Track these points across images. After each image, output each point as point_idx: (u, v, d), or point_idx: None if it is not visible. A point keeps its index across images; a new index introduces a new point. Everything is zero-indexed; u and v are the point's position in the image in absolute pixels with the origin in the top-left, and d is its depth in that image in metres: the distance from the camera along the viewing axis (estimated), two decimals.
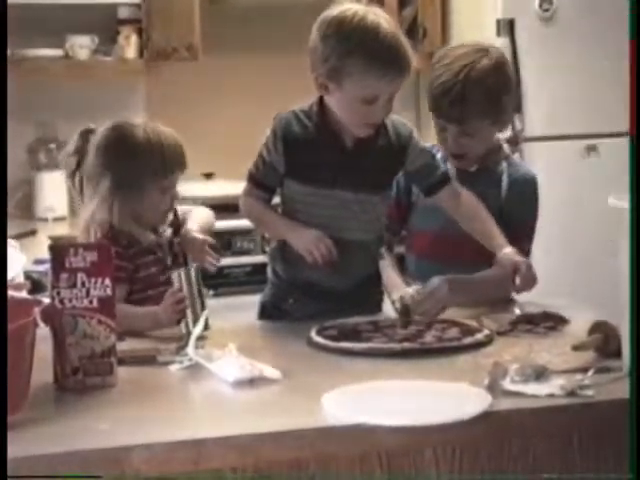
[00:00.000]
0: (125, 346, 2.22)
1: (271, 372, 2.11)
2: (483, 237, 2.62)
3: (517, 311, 2.60)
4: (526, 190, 2.81)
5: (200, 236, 2.65)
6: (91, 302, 2.08)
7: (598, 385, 2.03)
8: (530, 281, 2.55)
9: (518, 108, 4.09)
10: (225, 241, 2.78)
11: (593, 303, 2.56)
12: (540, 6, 4.19)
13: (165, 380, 2.15)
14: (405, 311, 2.49)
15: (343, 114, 2.52)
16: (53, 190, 4.25)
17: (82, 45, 4.19)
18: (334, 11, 2.48)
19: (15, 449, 1.77)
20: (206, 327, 2.36)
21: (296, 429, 1.87)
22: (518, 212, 2.77)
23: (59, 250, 2.09)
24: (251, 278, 2.74)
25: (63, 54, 4.20)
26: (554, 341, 2.36)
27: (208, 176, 4.30)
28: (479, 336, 2.36)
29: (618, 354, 2.13)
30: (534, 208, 2.82)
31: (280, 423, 1.89)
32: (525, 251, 2.70)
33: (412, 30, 4.39)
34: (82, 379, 2.08)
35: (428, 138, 2.86)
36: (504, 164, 2.82)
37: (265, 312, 2.73)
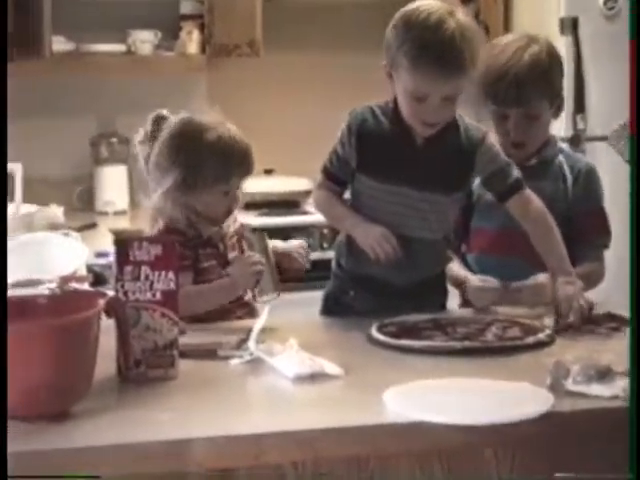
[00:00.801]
0: (186, 339, 2.23)
1: (331, 368, 2.11)
2: (546, 254, 2.57)
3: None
4: (592, 180, 2.82)
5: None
6: (154, 295, 2.09)
7: None
8: (580, 313, 2.47)
9: (581, 108, 4.05)
10: (284, 237, 2.79)
11: None
12: (605, 4, 4.11)
13: (225, 374, 2.15)
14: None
15: (402, 108, 2.53)
16: (114, 184, 4.29)
17: (144, 40, 4.22)
18: (413, 5, 2.50)
19: (76, 439, 1.79)
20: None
21: (356, 425, 1.87)
22: (587, 203, 2.79)
23: (124, 243, 2.11)
24: (310, 274, 2.74)
25: (125, 49, 4.22)
26: (617, 342, 2.34)
27: (268, 172, 4.32)
28: (541, 336, 2.35)
29: None
30: (602, 198, 2.84)
31: (340, 419, 1.89)
32: (602, 245, 2.77)
33: None
34: (144, 371, 2.09)
35: None
36: (560, 157, 2.83)
37: (327, 304, 2.74)
